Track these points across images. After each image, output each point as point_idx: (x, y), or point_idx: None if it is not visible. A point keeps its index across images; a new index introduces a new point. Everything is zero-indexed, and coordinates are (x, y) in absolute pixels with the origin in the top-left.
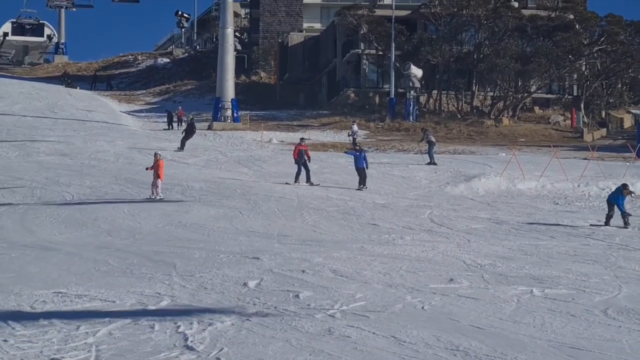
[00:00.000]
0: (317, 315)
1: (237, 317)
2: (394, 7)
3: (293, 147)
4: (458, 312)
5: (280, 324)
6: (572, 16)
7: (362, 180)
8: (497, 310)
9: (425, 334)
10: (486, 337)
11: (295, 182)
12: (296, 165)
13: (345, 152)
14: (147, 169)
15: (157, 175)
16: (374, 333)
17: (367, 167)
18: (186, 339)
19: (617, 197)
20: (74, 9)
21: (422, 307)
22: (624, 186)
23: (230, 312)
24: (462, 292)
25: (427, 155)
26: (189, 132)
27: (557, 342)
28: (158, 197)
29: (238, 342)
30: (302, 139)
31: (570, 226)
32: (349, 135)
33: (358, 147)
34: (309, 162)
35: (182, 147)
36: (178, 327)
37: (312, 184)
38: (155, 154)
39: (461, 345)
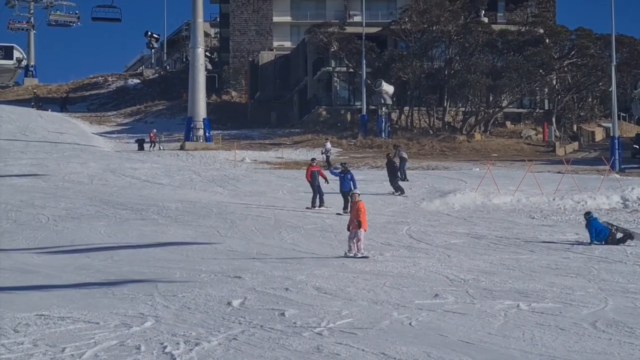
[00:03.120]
0: (305, 334)
1: (223, 336)
2: (364, 24)
3: (305, 169)
4: (446, 327)
5: (268, 343)
6: (542, 30)
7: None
8: (486, 325)
9: (415, 350)
10: (477, 352)
11: (313, 206)
12: (310, 189)
13: (329, 170)
14: (348, 228)
15: (357, 224)
16: (363, 350)
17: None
18: None
19: (593, 230)
20: (34, 31)
21: (410, 323)
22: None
23: (216, 331)
24: (449, 308)
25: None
26: (392, 171)
27: (548, 356)
28: (360, 254)
29: None
30: (313, 159)
31: (548, 240)
32: (322, 153)
33: (344, 168)
34: (327, 183)
35: (398, 190)
36: (165, 347)
37: (327, 207)
38: (353, 194)
39: None
